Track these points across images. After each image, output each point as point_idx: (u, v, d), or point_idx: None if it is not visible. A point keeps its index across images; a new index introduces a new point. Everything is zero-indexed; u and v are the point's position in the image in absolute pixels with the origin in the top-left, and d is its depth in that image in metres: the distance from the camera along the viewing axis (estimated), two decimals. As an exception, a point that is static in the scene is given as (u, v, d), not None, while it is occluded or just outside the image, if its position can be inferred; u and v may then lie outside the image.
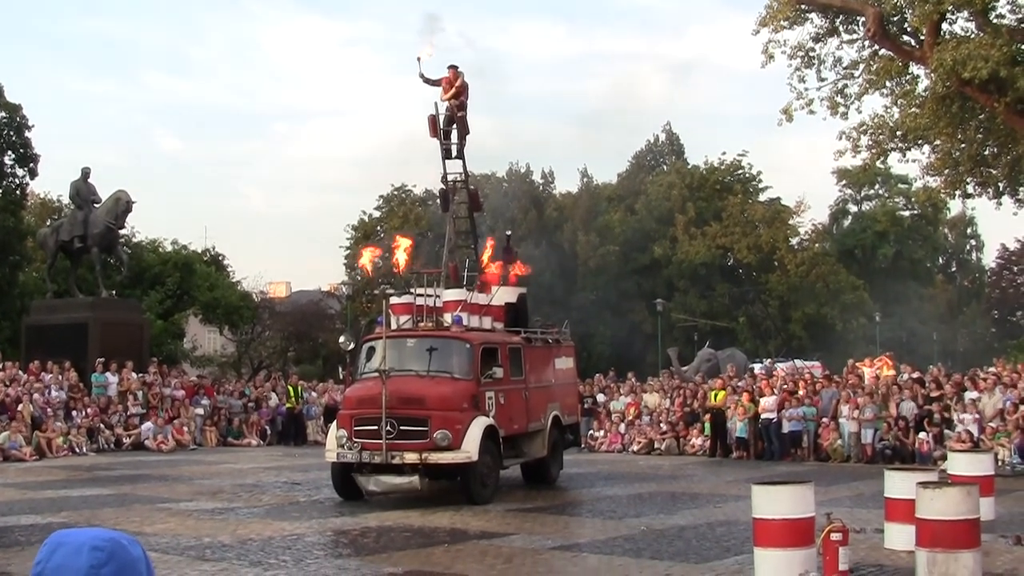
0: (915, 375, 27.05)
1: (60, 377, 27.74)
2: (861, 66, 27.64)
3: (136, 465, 23.33)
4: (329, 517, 15.44)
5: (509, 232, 20.87)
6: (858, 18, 27.10)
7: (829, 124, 38.03)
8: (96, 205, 31.84)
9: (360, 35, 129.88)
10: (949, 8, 24.89)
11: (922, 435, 23.24)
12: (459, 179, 21.12)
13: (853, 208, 78.53)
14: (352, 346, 18.19)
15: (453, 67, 20.50)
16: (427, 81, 20.45)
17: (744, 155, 69.79)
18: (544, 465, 19.20)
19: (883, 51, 27.22)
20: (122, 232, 35.47)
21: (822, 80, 27.89)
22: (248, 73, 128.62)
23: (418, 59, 20.45)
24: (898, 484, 11.85)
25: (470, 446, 16.15)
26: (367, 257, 22.02)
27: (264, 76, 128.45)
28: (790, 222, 68.69)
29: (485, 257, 20.18)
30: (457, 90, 20.23)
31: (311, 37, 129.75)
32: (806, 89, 27.89)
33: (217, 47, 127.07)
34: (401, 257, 19.58)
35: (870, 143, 28.17)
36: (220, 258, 49.80)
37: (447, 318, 18.01)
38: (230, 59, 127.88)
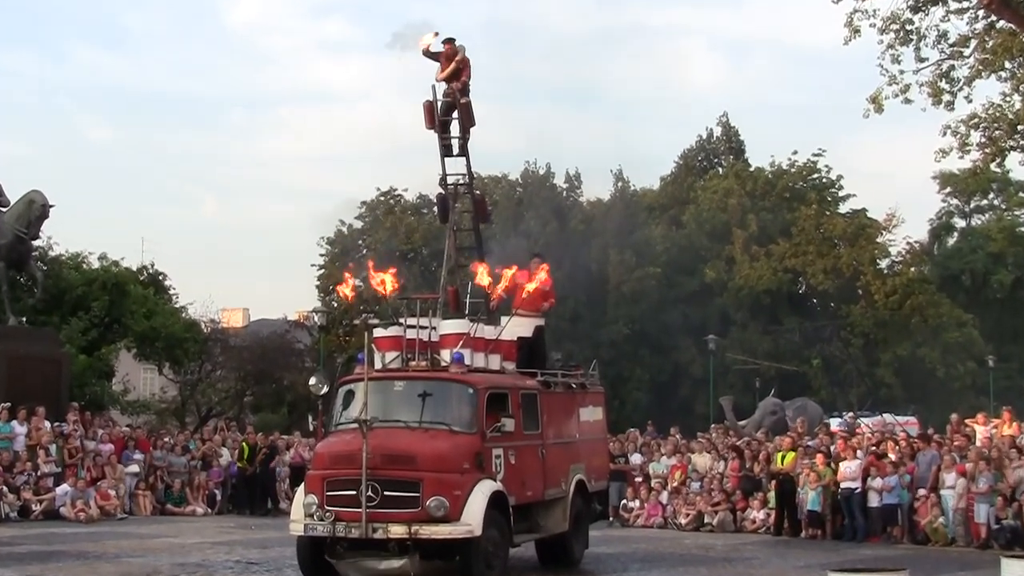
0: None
1: (-46, 426, 27.71)
2: (973, 43, 27.61)
3: (48, 539, 23.24)
4: (292, 607, 15.37)
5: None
6: (970, -19, 27.07)
7: (930, 116, 38.06)
8: (3, 209, 31.91)
9: (338, 2, 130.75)
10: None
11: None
12: (462, 182, 21.15)
13: (960, 223, 78.57)
14: (325, 390, 18.17)
15: (450, 40, 21.14)
16: (428, 55, 21.22)
17: (820, 155, 70.32)
18: (565, 542, 19.18)
19: (1002, 23, 27.16)
20: (36, 243, 35.51)
21: (922, 60, 27.91)
22: (199, 49, 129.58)
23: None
24: (1018, 574, 11.77)
25: (472, 517, 16.08)
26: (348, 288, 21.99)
27: (219, 53, 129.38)
28: (878, 240, 68.70)
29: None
30: (458, 66, 20.53)
31: (278, 5, 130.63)
32: (901, 72, 27.93)
33: (159, 16, 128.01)
34: (388, 282, 19.50)
35: (983, 140, 28.16)
36: (160, 278, 49.70)
37: (445, 356, 17.95)
38: (176, 31, 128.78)
